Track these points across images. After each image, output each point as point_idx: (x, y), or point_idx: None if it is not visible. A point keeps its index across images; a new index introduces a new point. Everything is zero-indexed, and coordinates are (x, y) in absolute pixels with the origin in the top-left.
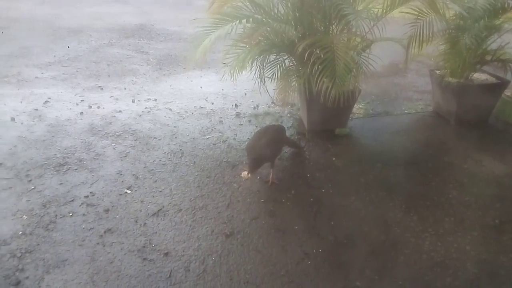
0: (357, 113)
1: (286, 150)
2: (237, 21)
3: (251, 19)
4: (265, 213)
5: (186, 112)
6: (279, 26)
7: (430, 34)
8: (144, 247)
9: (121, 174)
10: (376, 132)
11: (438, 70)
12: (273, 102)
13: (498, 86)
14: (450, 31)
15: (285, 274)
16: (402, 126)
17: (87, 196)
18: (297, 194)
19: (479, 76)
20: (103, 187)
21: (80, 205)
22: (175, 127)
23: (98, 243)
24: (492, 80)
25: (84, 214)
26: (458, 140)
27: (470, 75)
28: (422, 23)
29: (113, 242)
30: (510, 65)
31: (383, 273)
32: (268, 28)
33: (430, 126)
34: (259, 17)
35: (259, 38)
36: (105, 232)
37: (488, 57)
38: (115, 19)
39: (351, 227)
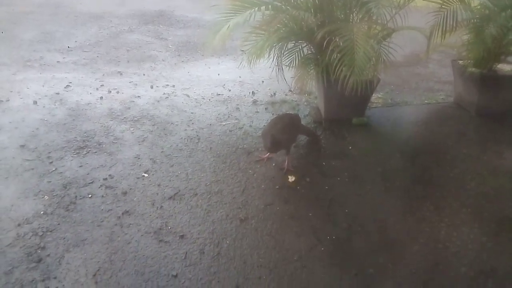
0: (376, 103)
1: (302, 138)
2: (256, 8)
3: (270, 6)
4: (279, 200)
5: (203, 98)
6: (298, 13)
7: (454, 23)
8: (160, 229)
9: (139, 158)
10: (394, 122)
11: (461, 60)
12: (290, 90)
13: None
14: (475, 20)
15: (298, 259)
16: (422, 116)
17: (106, 179)
18: (312, 181)
19: (503, 67)
20: (121, 170)
21: (99, 187)
22: (192, 113)
23: (116, 224)
24: None
25: (103, 196)
26: (478, 131)
27: (494, 66)
28: (445, 12)
29: (130, 224)
30: None
31: (396, 261)
32: (287, 15)
33: (451, 117)
34: (278, 4)
35: (278, 25)
36: (123, 213)
37: None
38: (135, 5)
39: (366, 216)
